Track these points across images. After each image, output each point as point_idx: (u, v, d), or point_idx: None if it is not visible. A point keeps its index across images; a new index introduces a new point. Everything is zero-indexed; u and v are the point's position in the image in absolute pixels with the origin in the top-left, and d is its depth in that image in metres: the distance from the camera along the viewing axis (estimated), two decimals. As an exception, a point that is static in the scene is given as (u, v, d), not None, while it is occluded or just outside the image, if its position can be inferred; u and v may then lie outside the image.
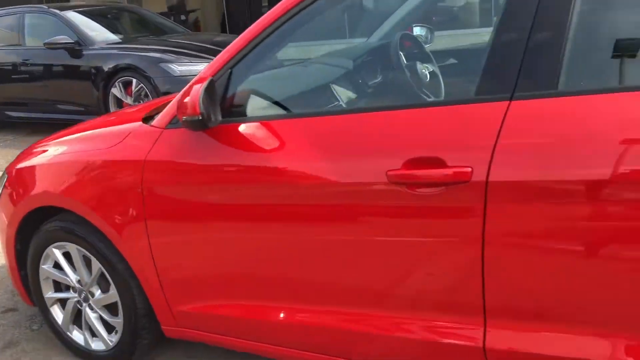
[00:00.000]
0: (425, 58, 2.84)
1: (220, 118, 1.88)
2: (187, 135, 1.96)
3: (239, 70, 1.96)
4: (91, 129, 2.45)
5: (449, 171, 1.55)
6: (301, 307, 1.93)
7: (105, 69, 6.47)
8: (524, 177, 1.48)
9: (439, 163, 1.57)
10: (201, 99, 1.76)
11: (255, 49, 1.93)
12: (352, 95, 2.49)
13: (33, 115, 7.14)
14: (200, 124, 1.81)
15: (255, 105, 2.00)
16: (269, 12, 1.93)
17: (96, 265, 2.31)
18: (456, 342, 1.68)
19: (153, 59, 6.27)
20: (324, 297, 1.87)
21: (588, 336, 1.53)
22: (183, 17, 12.69)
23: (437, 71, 2.79)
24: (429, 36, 3.44)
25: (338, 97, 2.36)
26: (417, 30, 3.45)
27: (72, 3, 8.82)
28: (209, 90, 1.84)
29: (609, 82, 1.61)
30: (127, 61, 6.37)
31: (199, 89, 1.79)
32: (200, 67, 6.06)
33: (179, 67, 6.21)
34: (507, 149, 1.50)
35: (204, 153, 1.93)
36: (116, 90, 6.43)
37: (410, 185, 1.61)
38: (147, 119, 2.21)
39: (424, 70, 2.72)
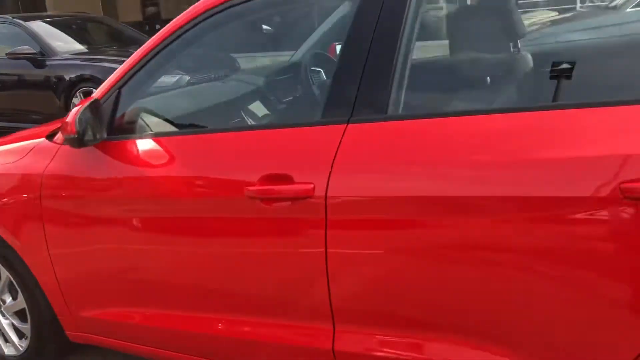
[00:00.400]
0: None
1: (104, 135, 2.01)
2: (77, 152, 2.08)
3: (128, 90, 2.08)
4: (5, 144, 2.57)
5: (296, 187, 1.69)
6: (188, 314, 2.05)
7: (67, 78, 6.58)
8: (355, 192, 1.62)
9: (288, 179, 1.70)
10: (77, 119, 1.89)
11: (141, 70, 2.06)
12: (257, 113, 2.62)
13: (-2, 124, 7.23)
14: (77, 142, 1.94)
15: (144, 123, 2.13)
16: (154, 36, 2.06)
17: (4, 273, 2.43)
18: (309, 345, 1.80)
19: (112, 70, 6.37)
20: (204, 304, 2.00)
21: (426, 339, 1.66)
22: (158, 26, 12.82)
23: None
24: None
25: (244, 115, 2.50)
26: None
27: (38, 13, 8.91)
28: (94, 110, 1.96)
29: (431, 109, 1.76)
30: (88, 72, 6.49)
31: (78, 109, 1.91)
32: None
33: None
34: (342, 167, 1.63)
35: (90, 168, 2.06)
36: (77, 100, 6.54)
37: (265, 200, 1.74)
38: (50, 136, 2.33)
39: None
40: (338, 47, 3.65)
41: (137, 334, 2.19)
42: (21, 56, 6.79)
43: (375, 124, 1.64)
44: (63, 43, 7.14)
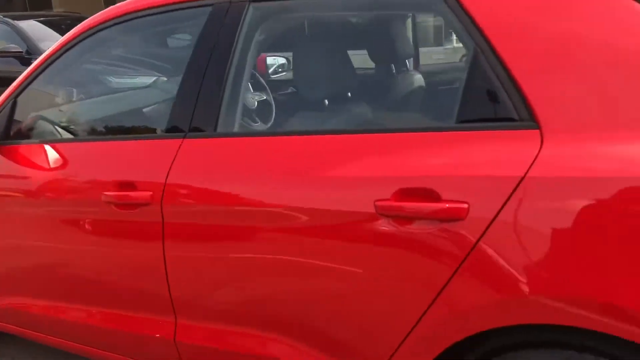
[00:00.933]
0: (261, 87, 3.16)
1: None
2: None
3: (23, 99, 2.31)
4: None
5: (140, 194, 1.89)
6: (65, 305, 2.26)
7: (50, 77, 6.85)
8: (183, 200, 1.82)
9: (134, 187, 1.91)
10: None
11: (34, 82, 2.28)
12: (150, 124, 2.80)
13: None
14: None
15: (39, 130, 2.35)
16: (49, 48, 2.27)
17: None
18: (155, 335, 2.01)
19: (92, 69, 6.63)
20: (75, 296, 2.21)
21: (252, 335, 1.85)
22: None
23: (270, 99, 3.10)
24: (285, 65, 3.76)
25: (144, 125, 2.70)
26: (270, 60, 3.78)
27: (31, 12, 9.22)
28: None
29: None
30: (70, 70, 6.75)
31: None
32: (137, 80, 6.41)
33: (117, 79, 6.57)
34: (175, 178, 1.83)
35: None
36: (59, 98, 6.81)
37: (116, 204, 1.95)
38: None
39: (253, 99, 3.04)
40: (269, 59, 3.85)
41: (38, 323, 2.41)
42: (9, 54, 7.08)
43: (205, 139, 1.84)
44: (51, 42, 7.41)
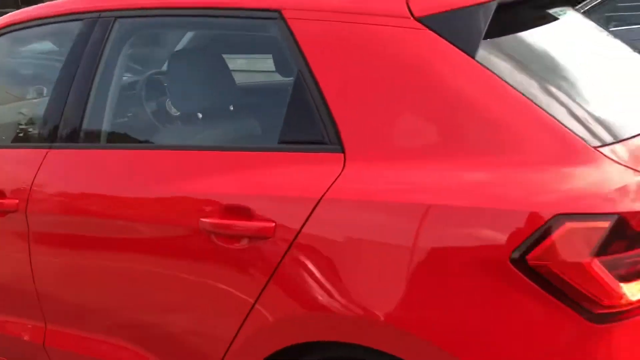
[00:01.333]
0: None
1: None
2: None
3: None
4: None
5: (8, 201, 1.94)
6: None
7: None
8: (42, 208, 1.88)
9: (4, 194, 1.96)
10: None
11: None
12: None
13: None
14: None
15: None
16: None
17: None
18: (26, 339, 2.06)
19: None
20: None
21: (110, 343, 1.90)
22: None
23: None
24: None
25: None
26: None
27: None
28: None
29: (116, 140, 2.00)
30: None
31: None
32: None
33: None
34: (37, 187, 1.89)
35: None
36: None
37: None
38: None
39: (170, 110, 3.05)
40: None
41: None
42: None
43: (67, 150, 1.89)
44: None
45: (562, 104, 1.35)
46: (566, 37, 1.71)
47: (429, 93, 1.37)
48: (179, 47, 2.56)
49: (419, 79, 1.39)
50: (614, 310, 1.16)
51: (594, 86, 1.55)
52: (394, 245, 1.31)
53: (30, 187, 1.90)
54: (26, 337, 2.08)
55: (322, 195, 1.37)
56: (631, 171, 1.22)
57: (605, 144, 1.25)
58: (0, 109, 2.39)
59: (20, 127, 2.34)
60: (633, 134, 1.32)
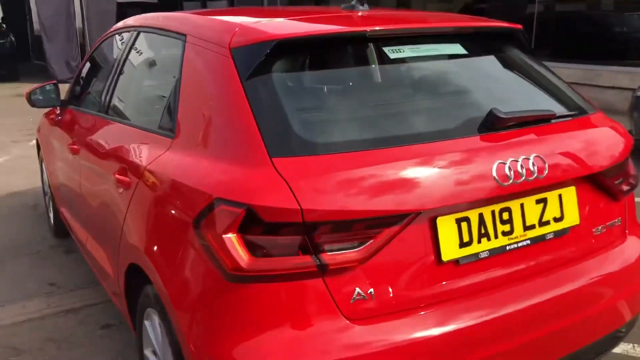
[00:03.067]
0: None
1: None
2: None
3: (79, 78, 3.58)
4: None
5: (73, 148, 2.98)
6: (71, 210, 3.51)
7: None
8: (84, 153, 2.85)
9: (75, 144, 3.00)
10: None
11: (87, 64, 3.52)
12: None
13: None
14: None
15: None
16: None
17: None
18: (71, 224, 3.10)
19: None
20: None
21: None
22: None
23: None
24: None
25: None
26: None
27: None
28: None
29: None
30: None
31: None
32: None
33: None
34: (86, 141, 2.86)
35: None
36: None
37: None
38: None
39: None
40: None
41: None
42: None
43: (105, 120, 2.82)
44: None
45: (283, 126, 1.72)
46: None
47: (210, 101, 1.90)
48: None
49: (209, 90, 1.92)
50: (239, 274, 1.58)
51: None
52: (158, 202, 1.92)
53: (83, 140, 2.90)
54: (72, 224, 3.15)
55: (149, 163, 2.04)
56: (281, 179, 1.58)
57: (279, 156, 1.63)
58: (97, 86, 3.42)
59: (95, 100, 3.32)
60: (322, 153, 1.65)
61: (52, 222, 4.28)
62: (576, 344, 1.95)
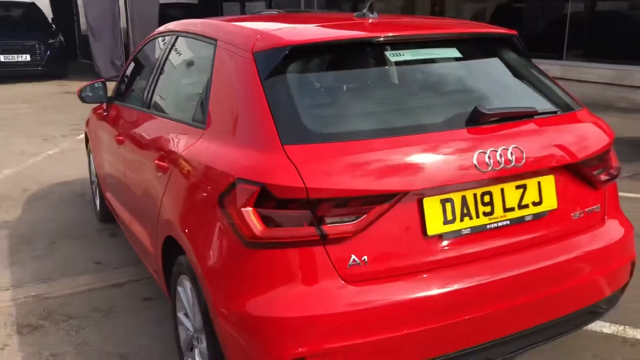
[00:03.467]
0: None
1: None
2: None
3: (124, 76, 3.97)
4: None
5: (120, 139, 3.36)
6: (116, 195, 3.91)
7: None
8: (127, 144, 3.23)
9: (120, 135, 3.39)
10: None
11: (132, 63, 3.91)
12: None
13: None
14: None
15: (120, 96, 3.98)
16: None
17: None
18: (115, 208, 3.49)
19: None
20: None
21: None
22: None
23: None
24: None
25: None
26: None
27: None
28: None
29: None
30: None
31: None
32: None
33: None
34: (130, 133, 3.23)
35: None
36: None
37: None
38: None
39: None
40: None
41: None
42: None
43: (144, 114, 3.19)
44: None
45: (293, 118, 2.04)
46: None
47: (235, 97, 2.22)
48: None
49: (234, 88, 2.25)
50: (255, 241, 1.91)
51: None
52: (191, 183, 2.26)
53: (127, 132, 3.27)
54: (117, 208, 3.53)
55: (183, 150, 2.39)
56: (290, 163, 1.90)
57: (290, 144, 1.94)
58: (139, 84, 3.79)
59: (138, 96, 3.69)
60: (326, 141, 1.96)
61: (98, 208, 4.69)
62: (551, 314, 2.21)
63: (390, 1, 16.08)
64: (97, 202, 4.70)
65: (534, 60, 2.63)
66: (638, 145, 6.96)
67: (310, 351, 1.87)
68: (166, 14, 16.40)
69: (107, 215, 4.46)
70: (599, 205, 2.36)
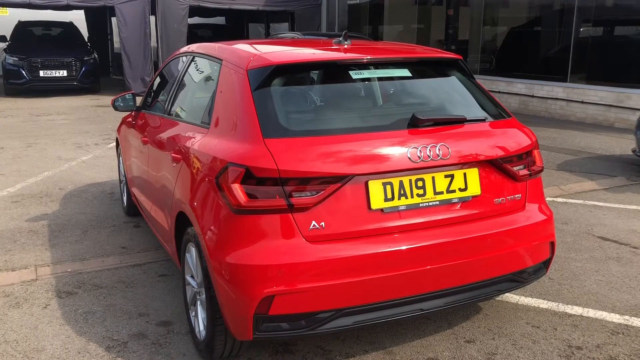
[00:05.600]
0: None
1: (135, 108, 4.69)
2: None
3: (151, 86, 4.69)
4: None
5: (144, 139, 4.06)
6: (140, 190, 4.60)
7: None
8: (151, 144, 3.92)
9: (145, 136, 4.09)
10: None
11: (159, 76, 4.63)
12: None
13: None
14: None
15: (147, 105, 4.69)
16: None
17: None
18: (141, 200, 4.17)
19: None
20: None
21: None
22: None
23: None
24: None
25: None
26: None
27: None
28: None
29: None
30: None
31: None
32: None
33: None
34: (152, 134, 3.93)
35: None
36: None
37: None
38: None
39: None
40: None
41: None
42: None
43: (166, 119, 3.89)
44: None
45: (273, 119, 2.69)
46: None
47: (232, 104, 2.89)
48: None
49: (232, 97, 2.92)
50: (240, 209, 2.55)
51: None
52: (196, 168, 2.92)
53: (151, 133, 3.97)
54: (140, 199, 4.21)
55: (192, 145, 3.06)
56: (268, 151, 2.55)
57: (269, 137, 2.60)
58: (162, 95, 4.47)
59: (161, 105, 4.38)
60: (296, 136, 2.61)
61: (125, 204, 5.41)
62: (475, 277, 2.81)
63: (410, 28, 16.82)
64: (124, 198, 5.42)
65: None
66: (624, 161, 7.50)
67: (277, 291, 2.50)
68: (195, 34, 17.36)
69: (132, 209, 5.18)
70: (520, 194, 2.97)
